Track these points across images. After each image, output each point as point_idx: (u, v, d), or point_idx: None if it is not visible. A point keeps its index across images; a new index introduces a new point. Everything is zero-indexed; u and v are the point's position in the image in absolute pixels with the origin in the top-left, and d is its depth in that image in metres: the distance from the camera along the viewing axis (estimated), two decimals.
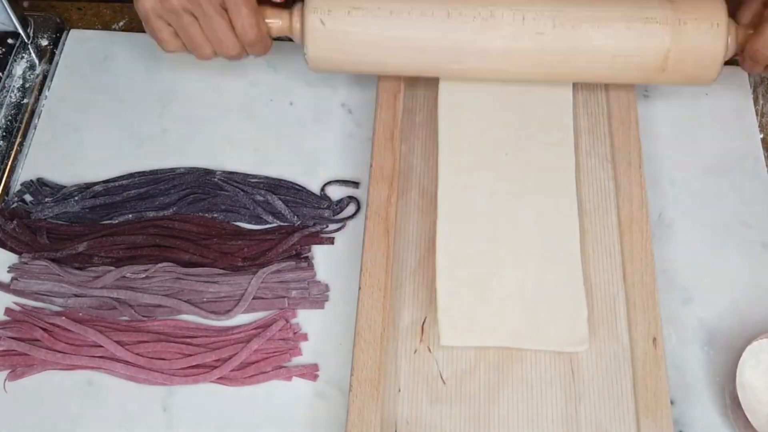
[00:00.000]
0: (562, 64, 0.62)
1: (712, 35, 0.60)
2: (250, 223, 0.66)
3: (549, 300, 0.59)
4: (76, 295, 0.62)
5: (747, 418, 0.54)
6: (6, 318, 0.62)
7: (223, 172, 0.68)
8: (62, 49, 0.76)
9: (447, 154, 0.64)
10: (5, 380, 0.60)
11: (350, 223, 0.66)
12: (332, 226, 0.66)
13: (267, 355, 0.60)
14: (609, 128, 0.66)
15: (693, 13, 0.61)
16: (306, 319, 0.62)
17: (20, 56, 0.75)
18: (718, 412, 0.59)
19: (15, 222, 0.65)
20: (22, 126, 0.71)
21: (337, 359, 0.60)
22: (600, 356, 0.58)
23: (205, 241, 0.65)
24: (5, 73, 0.74)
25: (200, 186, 0.67)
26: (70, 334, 0.61)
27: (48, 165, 0.70)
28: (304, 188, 0.68)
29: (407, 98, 0.68)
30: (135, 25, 0.78)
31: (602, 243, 0.62)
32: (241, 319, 0.62)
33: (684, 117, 0.72)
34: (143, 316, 0.61)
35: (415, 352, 0.59)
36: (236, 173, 0.68)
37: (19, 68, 0.74)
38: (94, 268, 0.63)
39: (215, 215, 0.66)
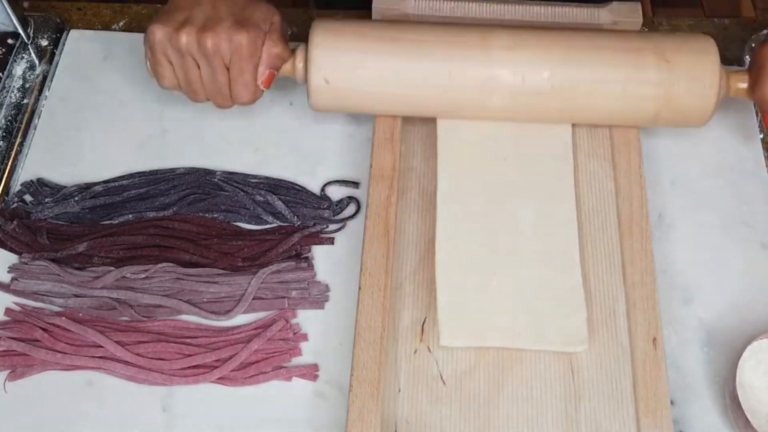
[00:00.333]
0: (560, 116, 0.64)
1: (702, 97, 0.62)
2: (250, 223, 0.66)
3: (549, 300, 0.59)
4: (76, 296, 0.62)
5: (747, 418, 0.54)
6: (6, 318, 0.62)
7: (223, 172, 0.68)
8: (62, 50, 0.76)
9: (446, 158, 0.64)
10: (5, 380, 0.60)
11: (350, 224, 0.66)
12: (332, 227, 0.66)
13: (267, 355, 0.60)
14: (609, 128, 0.66)
15: (687, 76, 0.62)
16: (306, 319, 0.62)
17: (20, 56, 0.75)
18: (718, 412, 0.59)
19: (15, 222, 0.65)
20: (22, 126, 0.71)
21: (337, 359, 0.60)
22: (600, 356, 0.58)
23: (205, 242, 0.65)
24: (5, 73, 0.74)
25: (200, 186, 0.67)
26: (70, 334, 0.61)
27: (48, 165, 0.70)
28: (304, 188, 0.68)
29: None
30: (135, 25, 0.78)
31: (602, 243, 0.62)
32: (241, 319, 0.62)
33: None
34: (143, 317, 0.61)
35: (415, 352, 0.59)
36: (236, 173, 0.68)
37: (19, 68, 0.74)
38: (94, 269, 0.63)
39: (215, 215, 0.66)
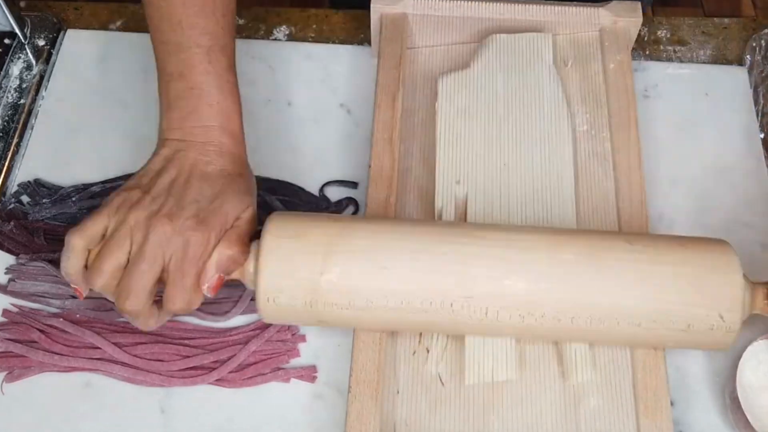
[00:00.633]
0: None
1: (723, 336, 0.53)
2: None
3: None
4: (73, 297, 0.62)
5: (747, 419, 0.54)
6: (3, 320, 0.62)
7: None
8: (59, 50, 0.76)
9: (444, 157, 0.64)
10: (2, 382, 0.59)
11: None
12: None
13: (265, 356, 0.60)
14: (609, 128, 0.66)
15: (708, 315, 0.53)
16: None
17: (17, 56, 0.75)
18: (718, 413, 0.58)
19: (12, 223, 0.65)
20: (19, 126, 0.71)
21: (335, 361, 0.60)
22: (600, 357, 0.58)
23: None
24: (2, 73, 0.74)
25: None
26: (67, 335, 0.60)
27: (45, 166, 0.69)
28: (303, 189, 0.67)
29: (406, 99, 0.68)
30: (132, 25, 0.78)
31: None
32: (239, 320, 0.62)
33: (684, 117, 0.72)
34: None
35: (414, 353, 0.58)
36: None
37: (15, 68, 0.74)
38: None
39: None
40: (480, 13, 0.70)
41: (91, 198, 0.66)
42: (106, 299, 0.61)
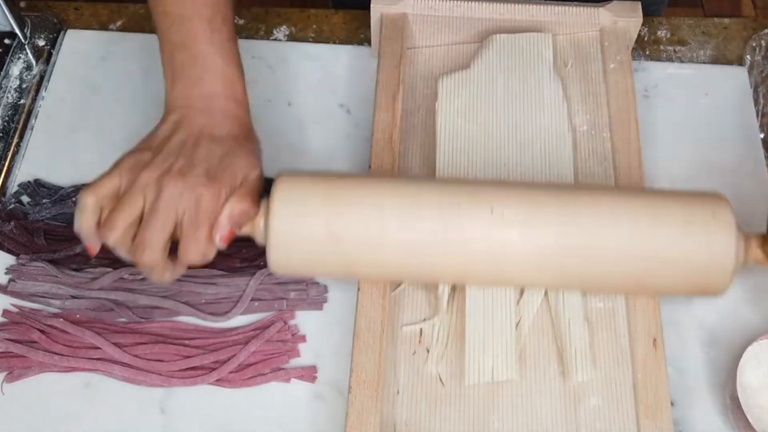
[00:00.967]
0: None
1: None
2: None
3: None
4: (73, 297, 0.62)
5: (747, 419, 0.54)
6: (3, 320, 0.62)
7: None
8: (59, 50, 0.76)
9: (444, 158, 0.64)
10: (2, 382, 0.59)
11: None
12: None
13: (265, 356, 0.60)
14: (609, 128, 0.66)
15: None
16: (304, 320, 0.62)
17: (17, 57, 0.75)
18: (719, 413, 0.58)
19: (12, 223, 0.65)
20: (19, 127, 0.71)
21: (335, 361, 0.60)
22: (600, 357, 0.58)
23: None
24: (2, 73, 0.74)
25: None
26: (67, 335, 0.60)
27: (45, 166, 0.69)
28: None
29: (406, 99, 0.68)
30: (132, 25, 0.78)
31: None
32: (239, 320, 0.62)
33: (684, 117, 0.72)
34: (141, 318, 0.61)
35: (414, 353, 0.58)
36: None
37: (15, 69, 0.74)
38: (91, 270, 0.63)
39: None
40: (480, 13, 0.70)
41: None
42: (107, 300, 0.62)
